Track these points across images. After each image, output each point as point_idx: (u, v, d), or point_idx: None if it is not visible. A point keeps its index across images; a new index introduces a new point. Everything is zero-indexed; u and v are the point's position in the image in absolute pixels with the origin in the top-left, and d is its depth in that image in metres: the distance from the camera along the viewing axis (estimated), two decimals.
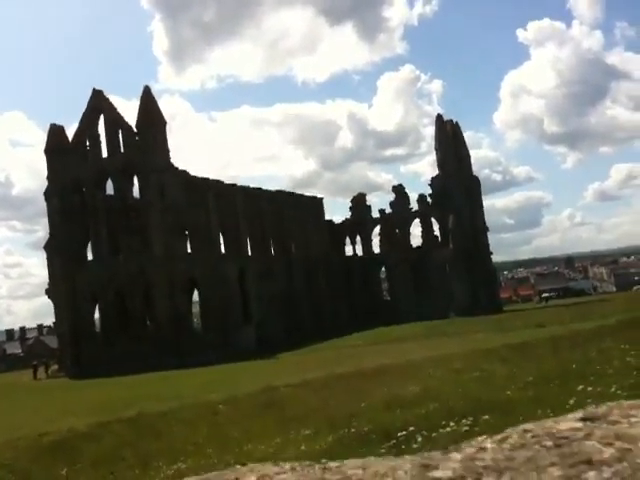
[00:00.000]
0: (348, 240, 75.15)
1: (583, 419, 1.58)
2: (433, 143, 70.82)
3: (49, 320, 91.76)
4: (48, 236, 52.55)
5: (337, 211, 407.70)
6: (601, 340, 16.31)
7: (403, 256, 69.05)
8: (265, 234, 62.16)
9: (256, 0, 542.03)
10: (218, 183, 56.81)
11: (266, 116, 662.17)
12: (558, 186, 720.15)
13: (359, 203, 74.75)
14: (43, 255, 52.77)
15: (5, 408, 27.28)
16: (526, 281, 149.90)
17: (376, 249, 73.02)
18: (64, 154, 52.20)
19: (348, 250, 75.61)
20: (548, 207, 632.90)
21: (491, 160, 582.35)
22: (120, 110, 52.80)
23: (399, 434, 8.55)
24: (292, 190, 72.99)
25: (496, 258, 75.66)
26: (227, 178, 59.41)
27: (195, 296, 54.35)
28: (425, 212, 69.84)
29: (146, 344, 46.76)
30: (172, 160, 50.85)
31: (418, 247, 70.68)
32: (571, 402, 8.72)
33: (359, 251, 74.60)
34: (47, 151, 52.98)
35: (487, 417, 8.87)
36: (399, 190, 72.01)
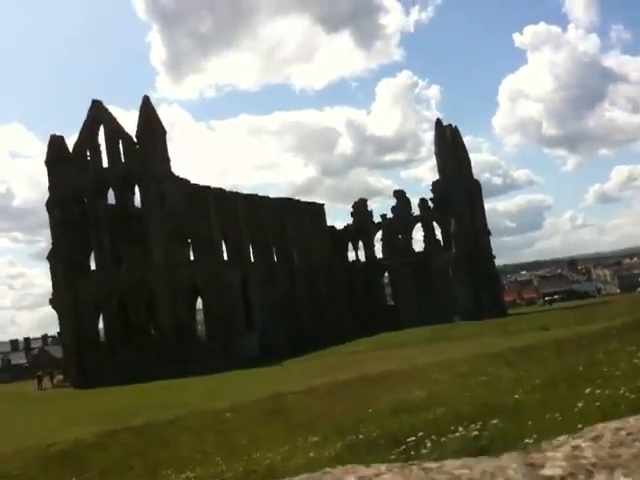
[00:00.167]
0: (350, 246, 75.21)
1: None
2: (432, 148, 71.08)
3: (53, 330, 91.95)
4: (51, 246, 52.64)
5: (338, 217, 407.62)
6: (607, 342, 16.30)
7: (405, 261, 69.07)
8: (267, 241, 62.23)
9: (252, 9, 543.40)
10: (219, 191, 56.94)
11: (264, 124, 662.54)
12: (559, 189, 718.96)
13: (360, 209, 74.82)
14: (46, 265, 52.92)
15: (12, 418, 27.29)
16: (529, 284, 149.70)
17: (378, 254, 73.07)
18: (65, 164, 52.33)
19: (350, 256, 75.72)
20: (549, 210, 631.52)
21: (491, 164, 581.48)
22: (119, 120, 53.05)
23: (408, 440, 8.54)
24: (292, 197, 73.09)
25: (498, 261, 75.75)
26: (227, 186, 59.73)
27: (199, 304, 54.41)
28: (427, 217, 69.90)
29: (150, 352, 46.76)
30: (172, 169, 51.04)
31: (420, 252, 70.70)
32: (579, 405, 8.72)
33: (361, 256, 74.70)
34: (48, 162, 53.08)
35: (496, 421, 8.87)
36: (400, 195, 72.10)
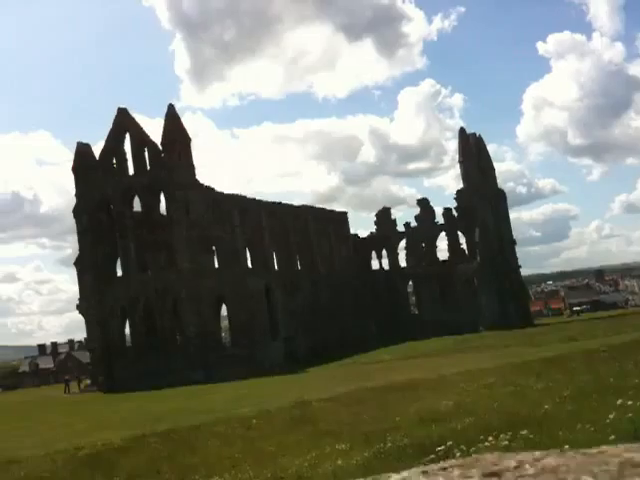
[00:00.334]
0: (374, 254, 75.01)
1: None
2: (456, 156, 70.69)
3: (79, 335, 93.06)
4: (78, 253, 53.41)
5: (360, 225, 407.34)
6: (637, 354, 16.05)
7: (430, 270, 68.67)
8: (290, 249, 62.39)
9: (275, 18, 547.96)
10: (243, 199, 57.29)
11: (287, 132, 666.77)
12: (584, 198, 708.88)
13: (384, 217, 74.63)
14: (72, 271, 53.71)
15: (41, 422, 27.68)
16: (556, 294, 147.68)
17: (402, 263, 72.74)
18: (91, 172, 53.08)
19: (374, 264, 75.50)
20: (575, 219, 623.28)
21: (515, 173, 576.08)
22: (144, 128, 53.62)
23: (437, 449, 8.51)
24: (316, 205, 73.21)
25: (524, 271, 74.87)
26: (250, 194, 59.67)
27: (223, 310, 54.70)
28: (451, 225, 69.44)
29: (175, 359, 47.11)
30: (197, 177, 51.47)
31: (444, 261, 70.21)
32: (611, 417, 8.61)
33: (385, 265, 74.41)
34: (75, 169, 53.86)
35: (525, 432, 8.80)
36: (424, 204, 71.77)
